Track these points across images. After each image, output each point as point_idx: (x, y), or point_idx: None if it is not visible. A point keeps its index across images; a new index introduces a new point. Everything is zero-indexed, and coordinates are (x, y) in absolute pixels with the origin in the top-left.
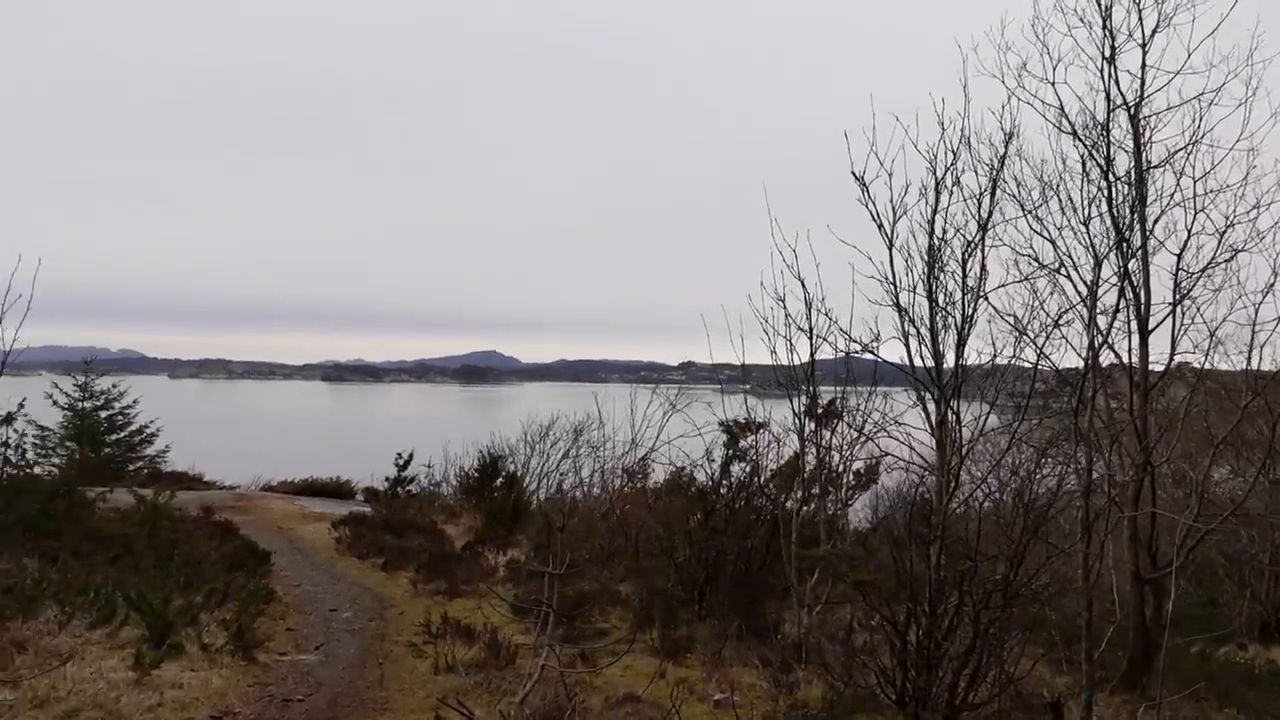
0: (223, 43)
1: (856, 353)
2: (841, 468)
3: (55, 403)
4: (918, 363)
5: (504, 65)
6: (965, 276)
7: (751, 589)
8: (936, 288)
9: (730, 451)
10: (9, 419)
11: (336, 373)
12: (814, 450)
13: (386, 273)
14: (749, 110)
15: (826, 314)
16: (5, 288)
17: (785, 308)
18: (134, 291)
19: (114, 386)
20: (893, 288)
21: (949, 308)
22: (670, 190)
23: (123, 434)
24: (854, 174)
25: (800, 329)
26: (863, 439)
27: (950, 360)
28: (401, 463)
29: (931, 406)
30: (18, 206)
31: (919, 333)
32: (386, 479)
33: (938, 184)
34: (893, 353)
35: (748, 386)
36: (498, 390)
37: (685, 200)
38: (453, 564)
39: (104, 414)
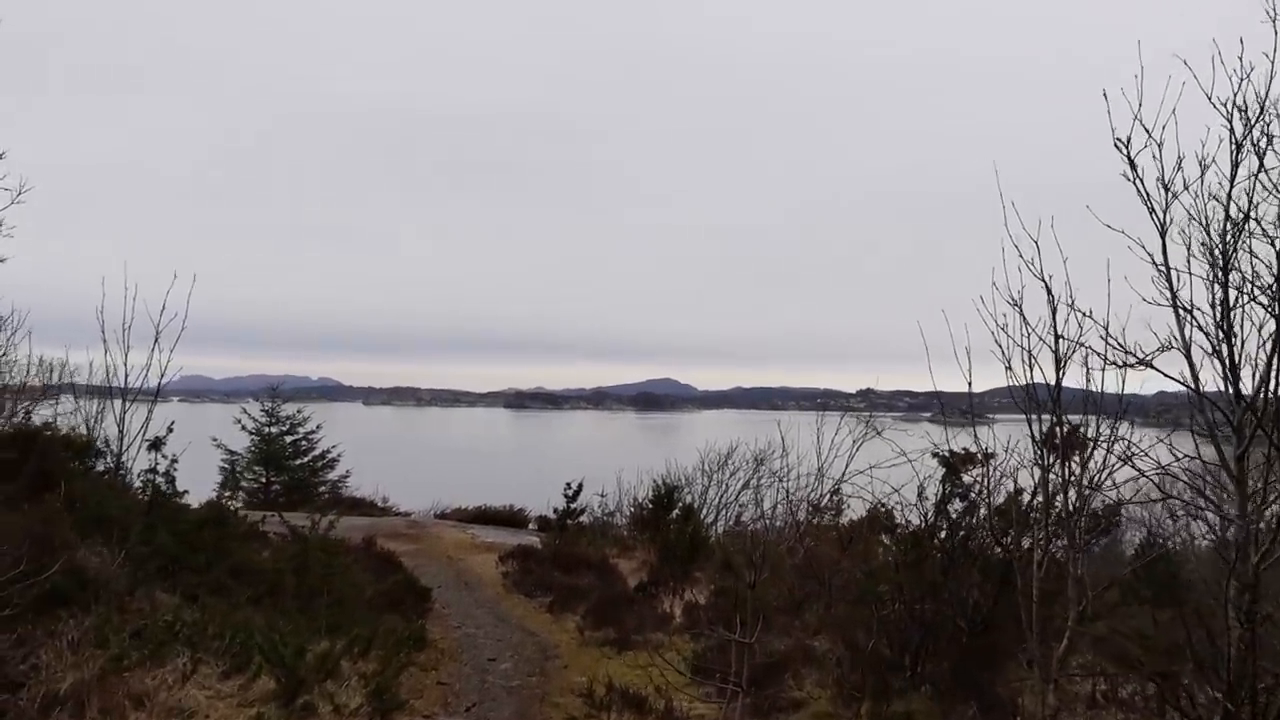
0: (390, 84)
1: (1127, 364)
2: (1078, 506)
3: (244, 427)
4: (1208, 382)
5: (686, 95)
6: None
7: (979, 654)
8: (1229, 283)
9: (948, 487)
10: (157, 444)
11: (518, 400)
12: (1050, 487)
13: (563, 302)
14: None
15: (1086, 315)
16: (160, 309)
17: (1022, 312)
18: (331, 322)
19: (299, 411)
20: (1167, 286)
21: (1248, 306)
22: (851, 214)
23: (306, 459)
24: (1117, 142)
25: (1041, 339)
26: (1109, 469)
27: (1248, 377)
28: (571, 493)
29: (1228, 436)
30: (228, 248)
31: (1214, 344)
32: (555, 510)
33: (1239, 145)
34: (1170, 369)
35: (929, 415)
36: (674, 417)
37: (867, 224)
38: (623, 608)
39: (289, 439)
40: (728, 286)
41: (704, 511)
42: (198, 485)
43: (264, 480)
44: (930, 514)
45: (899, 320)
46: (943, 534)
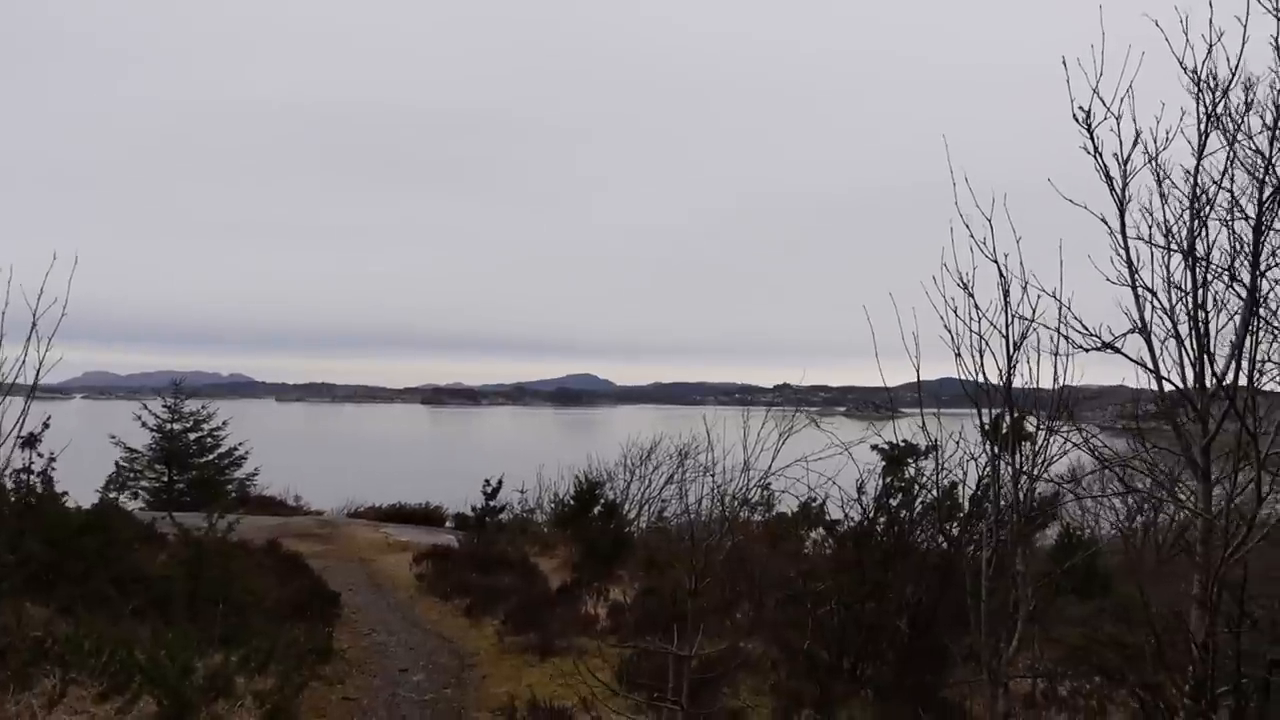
0: (331, 85)
1: (1090, 348)
2: (1027, 496)
3: (144, 424)
4: (1165, 368)
5: (600, 98)
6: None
7: (922, 656)
8: (1195, 264)
9: (891, 480)
10: (31, 441)
11: (436, 396)
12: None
13: (486, 298)
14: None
15: (1044, 293)
16: (38, 294)
17: (972, 295)
18: (242, 318)
19: (203, 408)
20: (1126, 266)
21: (1216, 284)
22: (778, 216)
23: (212, 456)
24: (1076, 113)
25: (992, 324)
26: (1049, 460)
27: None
28: (489, 490)
29: (1193, 426)
30: (129, 241)
31: (1174, 325)
32: (473, 508)
33: (1206, 116)
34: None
35: (843, 409)
36: (592, 413)
37: (787, 223)
38: (545, 611)
39: (193, 436)
40: (649, 284)
41: (626, 507)
42: (94, 486)
43: (167, 479)
44: (870, 509)
45: (817, 318)
46: (881, 529)
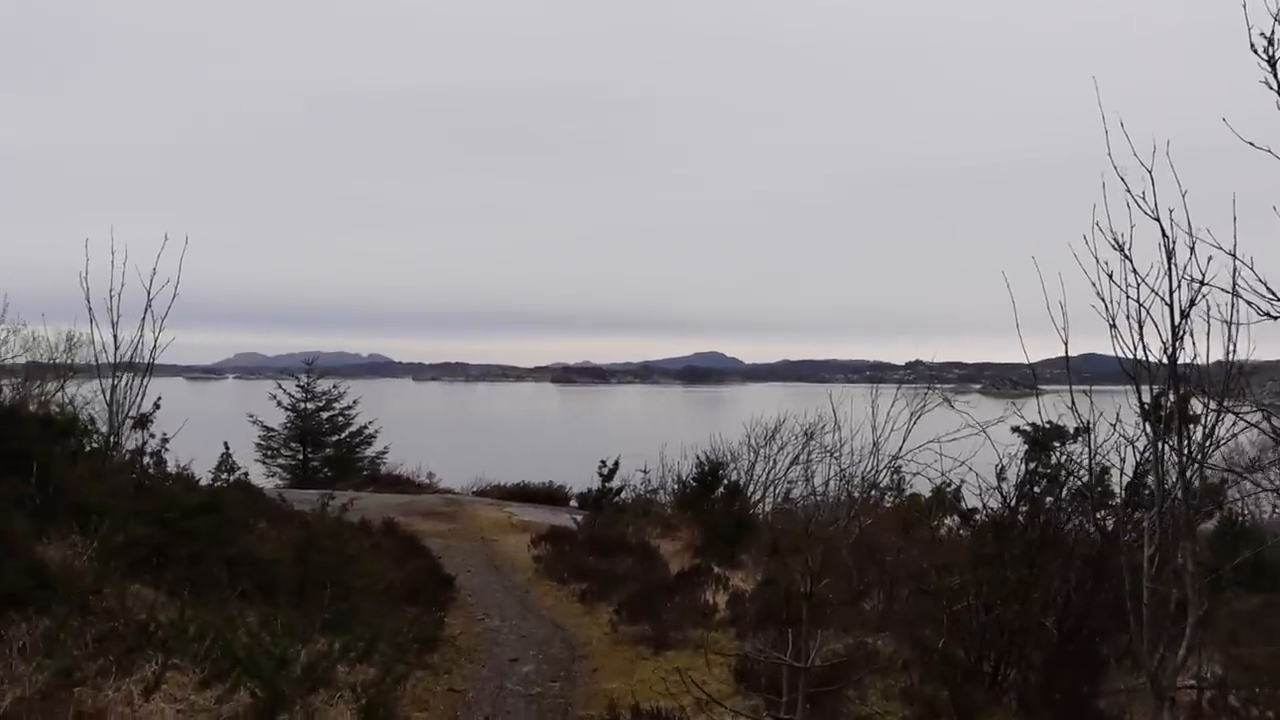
0: (433, 66)
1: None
2: (1193, 487)
3: (279, 403)
4: None
5: (721, 71)
6: None
7: (1073, 660)
8: None
9: (1036, 466)
10: (144, 421)
11: (565, 375)
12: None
13: (612, 277)
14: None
15: (1220, 249)
16: (150, 275)
17: (1129, 259)
18: (380, 300)
19: (334, 387)
20: None
21: None
22: (904, 188)
23: (343, 434)
24: (1255, 41)
25: (1153, 290)
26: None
27: None
28: (605, 471)
29: None
30: (276, 227)
31: None
32: (589, 490)
33: None
34: None
35: (978, 386)
36: (720, 390)
37: (922, 197)
38: (662, 599)
39: (325, 414)
40: (772, 260)
41: (750, 488)
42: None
43: (301, 457)
44: (1012, 497)
45: (951, 292)
46: (1025, 520)
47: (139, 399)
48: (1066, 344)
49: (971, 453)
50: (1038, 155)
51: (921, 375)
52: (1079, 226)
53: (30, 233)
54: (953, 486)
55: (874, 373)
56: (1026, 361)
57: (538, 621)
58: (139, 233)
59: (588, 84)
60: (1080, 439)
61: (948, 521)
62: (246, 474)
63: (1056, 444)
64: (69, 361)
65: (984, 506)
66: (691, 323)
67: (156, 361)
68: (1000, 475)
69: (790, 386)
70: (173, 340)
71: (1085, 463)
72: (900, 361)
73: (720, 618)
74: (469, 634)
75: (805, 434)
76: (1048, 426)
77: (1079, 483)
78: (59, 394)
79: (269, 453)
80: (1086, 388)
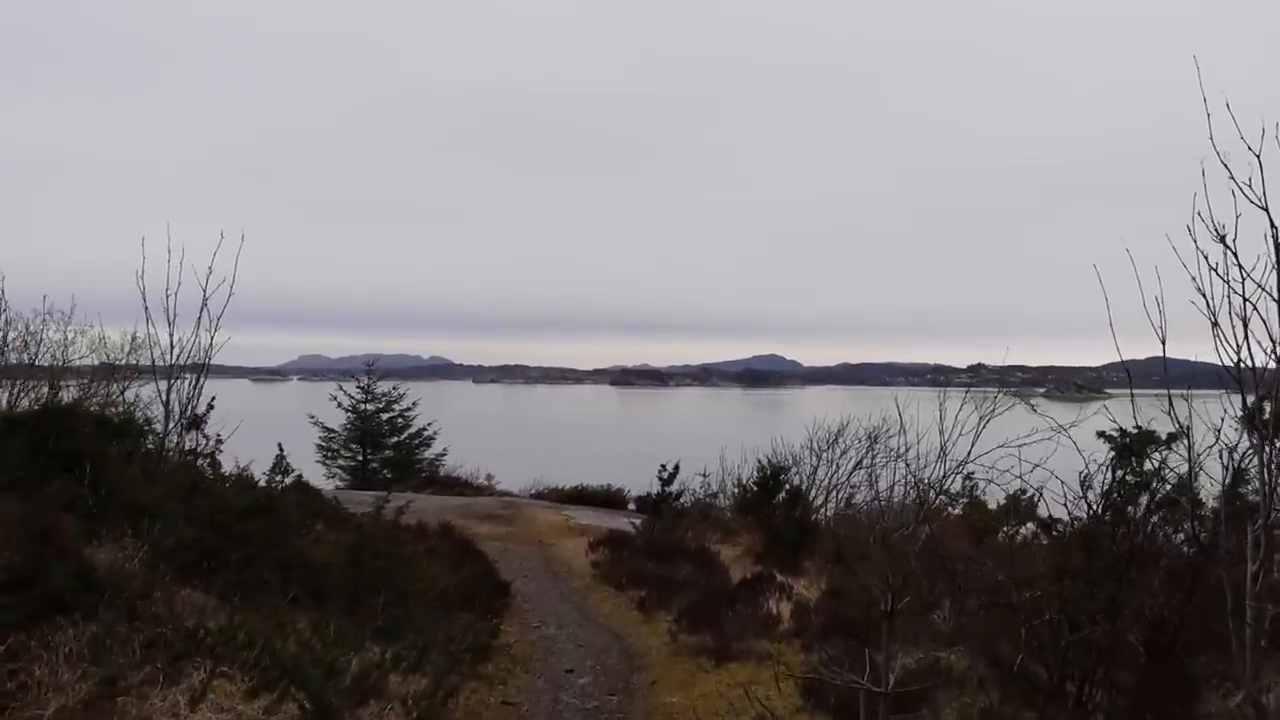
0: (501, 72)
1: None
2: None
3: (340, 405)
4: None
5: (785, 71)
6: None
7: (1165, 682)
8: None
9: (1124, 474)
10: (197, 422)
11: (624, 377)
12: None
13: (670, 279)
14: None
15: None
16: (207, 273)
17: (1234, 251)
18: (441, 302)
19: (394, 388)
20: None
21: None
22: (965, 188)
23: (402, 436)
24: None
25: (1260, 285)
26: None
27: None
28: (665, 475)
29: None
30: (338, 229)
31: None
32: (648, 493)
33: None
34: None
35: (1042, 390)
36: (779, 393)
37: (973, 198)
38: (723, 608)
39: (385, 416)
40: (831, 261)
41: (813, 493)
42: (298, 465)
43: (361, 458)
44: (1100, 508)
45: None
46: (1114, 531)
47: (194, 400)
48: (1164, 343)
49: (1043, 458)
50: (1110, 152)
51: (984, 379)
52: (1162, 224)
53: (97, 235)
54: (1029, 493)
55: (935, 376)
56: (1119, 360)
57: (595, 630)
58: (201, 235)
59: (649, 86)
60: (1174, 445)
61: (1022, 530)
62: (301, 475)
63: (1149, 450)
64: (135, 363)
65: (1069, 515)
66: (750, 325)
67: (223, 363)
68: (1085, 483)
69: (850, 389)
70: (228, 340)
71: (1180, 471)
72: (962, 365)
73: (784, 629)
74: (524, 642)
75: (869, 437)
76: (1136, 432)
77: (1167, 491)
78: (123, 395)
79: (329, 454)
80: (1185, 391)
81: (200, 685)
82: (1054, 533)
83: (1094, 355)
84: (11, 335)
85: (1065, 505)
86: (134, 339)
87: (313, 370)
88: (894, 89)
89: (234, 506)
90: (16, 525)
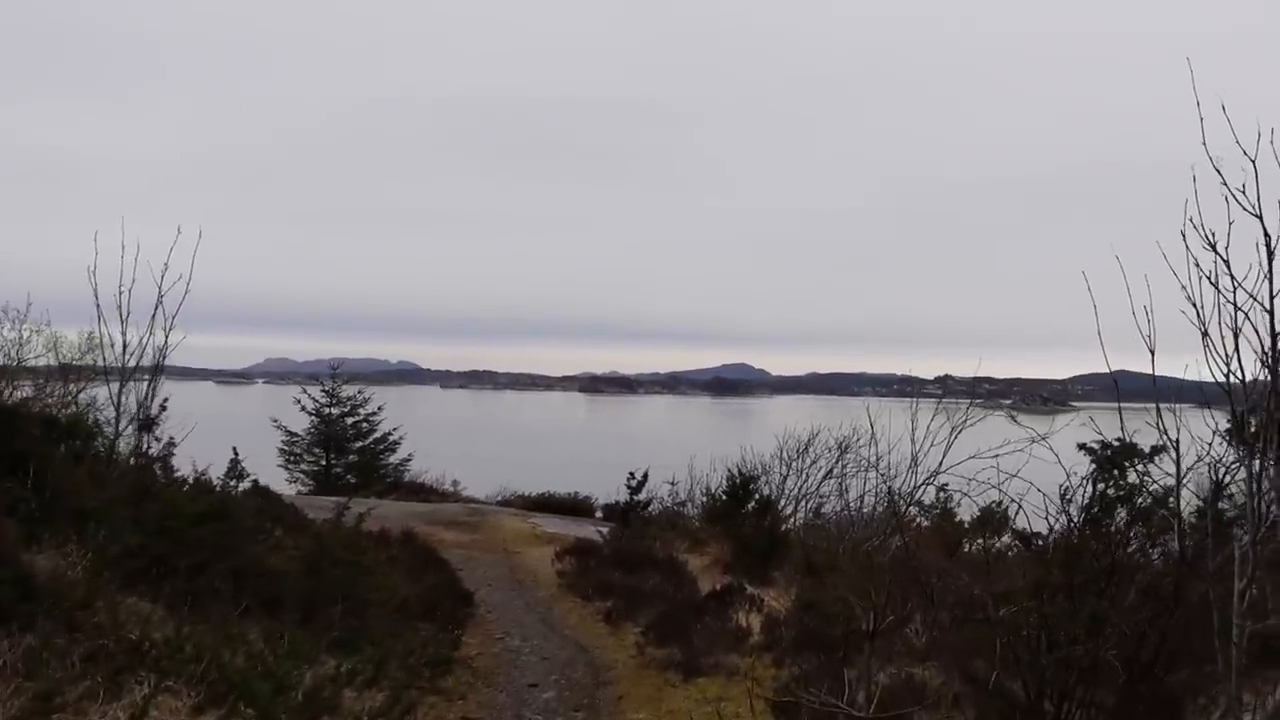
0: (481, 77)
1: None
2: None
3: (303, 408)
4: None
5: (760, 80)
6: None
7: (1147, 703)
8: None
9: (1104, 487)
10: (149, 424)
11: (593, 384)
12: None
13: (639, 286)
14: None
15: None
16: (162, 270)
17: (1225, 260)
18: (409, 307)
19: (359, 392)
20: None
21: None
22: (936, 200)
23: (367, 441)
24: None
25: (1251, 295)
26: None
27: None
28: (634, 484)
29: None
30: (310, 233)
31: None
32: (616, 501)
33: None
34: None
35: (1008, 402)
36: (748, 403)
37: (944, 211)
38: (691, 620)
39: (349, 420)
40: (803, 271)
41: (782, 502)
42: (259, 469)
43: (324, 463)
44: (1078, 520)
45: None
46: (1096, 545)
47: (148, 400)
48: (1153, 352)
49: (1017, 469)
50: (1080, 163)
51: (952, 390)
52: (1141, 237)
53: (65, 235)
54: (1004, 505)
55: (902, 386)
56: (1097, 372)
57: (560, 642)
58: (165, 236)
59: (633, 94)
60: (1158, 459)
61: (996, 542)
62: (257, 480)
63: (1131, 462)
64: (93, 363)
65: (1050, 529)
66: (720, 334)
67: (187, 365)
68: (1066, 496)
69: (820, 399)
70: (183, 339)
71: (1163, 484)
72: (929, 375)
73: (755, 641)
74: (487, 654)
75: (839, 447)
76: (1116, 444)
77: (1147, 504)
78: (77, 396)
79: (292, 458)
80: (1174, 405)
81: (142, 700)
82: (1033, 546)
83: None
84: None
85: (1046, 518)
86: (89, 338)
87: (279, 373)
88: (875, 103)
89: (186, 512)
90: None
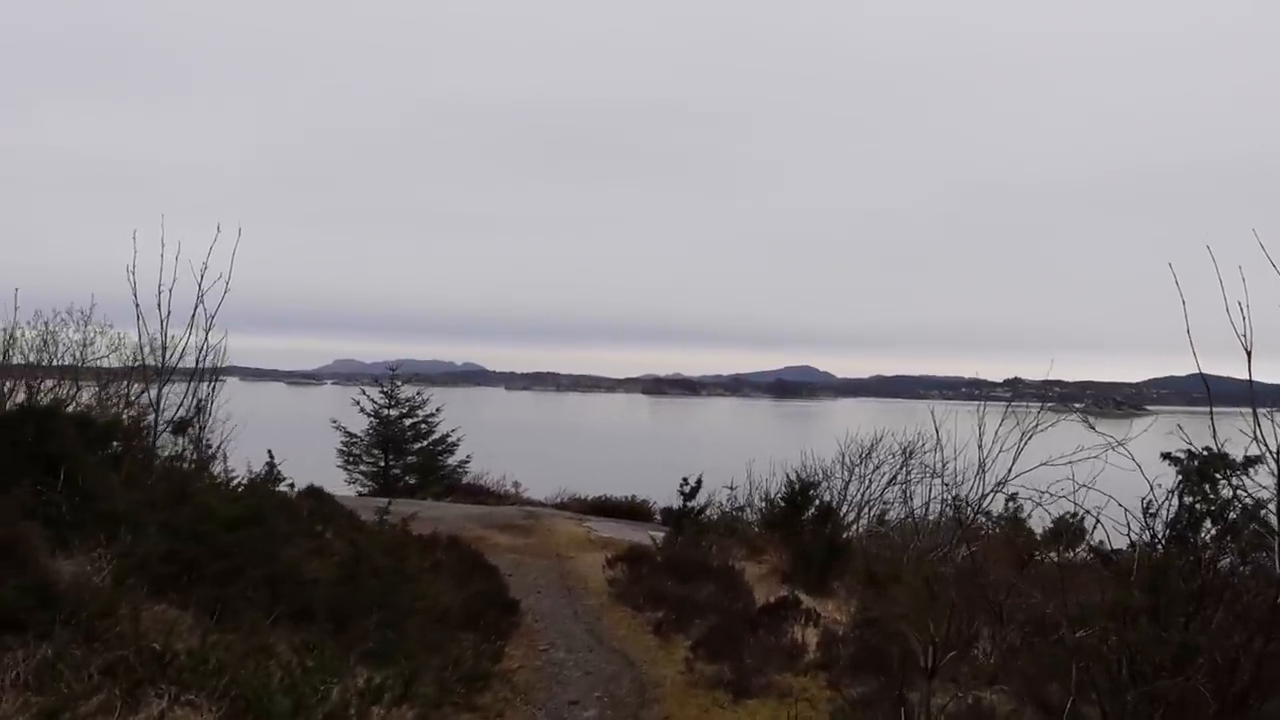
0: (535, 81)
1: None
2: None
3: (362, 409)
4: None
5: (815, 81)
6: None
7: None
8: None
9: (1194, 501)
10: (183, 426)
11: (655, 386)
12: None
13: (701, 288)
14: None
15: None
16: (201, 269)
17: None
18: (475, 309)
19: (418, 394)
20: None
21: None
22: (1000, 202)
23: (426, 443)
24: None
25: None
26: None
27: None
28: (688, 489)
29: None
30: (363, 236)
31: None
32: (670, 508)
33: None
34: None
35: (1080, 405)
36: (811, 405)
37: (1010, 212)
38: (746, 634)
39: (408, 422)
40: (866, 273)
41: (843, 509)
42: (319, 470)
43: (383, 464)
44: (1165, 536)
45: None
46: (1183, 565)
47: (209, 400)
48: (1250, 354)
49: (1091, 477)
50: (1146, 163)
51: (1021, 393)
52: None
53: (126, 238)
54: (1079, 516)
55: (970, 389)
56: (1186, 375)
57: (607, 655)
58: (224, 239)
59: (686, 97)
60: (1252, 469)
61: (1071, 556)
62: (293, 484)
63: (1222, 473)
64: (153, 364)
65: (1132, 545)
66: (783, 336)
67: (259, 366)
68: (1148, 509)
69: (884, 402)
70: (223, 339)
71: (1258, 496)
72: (998, 379)
73: (810, 659)
74: (529, 668)
75: (904, 452)
76: (1205, 453)
77: (1239, 518)
78: (141, 397)
79: (351, 459)
80: (1269, 410)
81: (159, 715)
82: (1111, 562)
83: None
84: (31, 334)
85: (1127, 532)
86: (151, 340)
87: (346, 374)
88: (936, 105)
89: (220, 516)
90: None
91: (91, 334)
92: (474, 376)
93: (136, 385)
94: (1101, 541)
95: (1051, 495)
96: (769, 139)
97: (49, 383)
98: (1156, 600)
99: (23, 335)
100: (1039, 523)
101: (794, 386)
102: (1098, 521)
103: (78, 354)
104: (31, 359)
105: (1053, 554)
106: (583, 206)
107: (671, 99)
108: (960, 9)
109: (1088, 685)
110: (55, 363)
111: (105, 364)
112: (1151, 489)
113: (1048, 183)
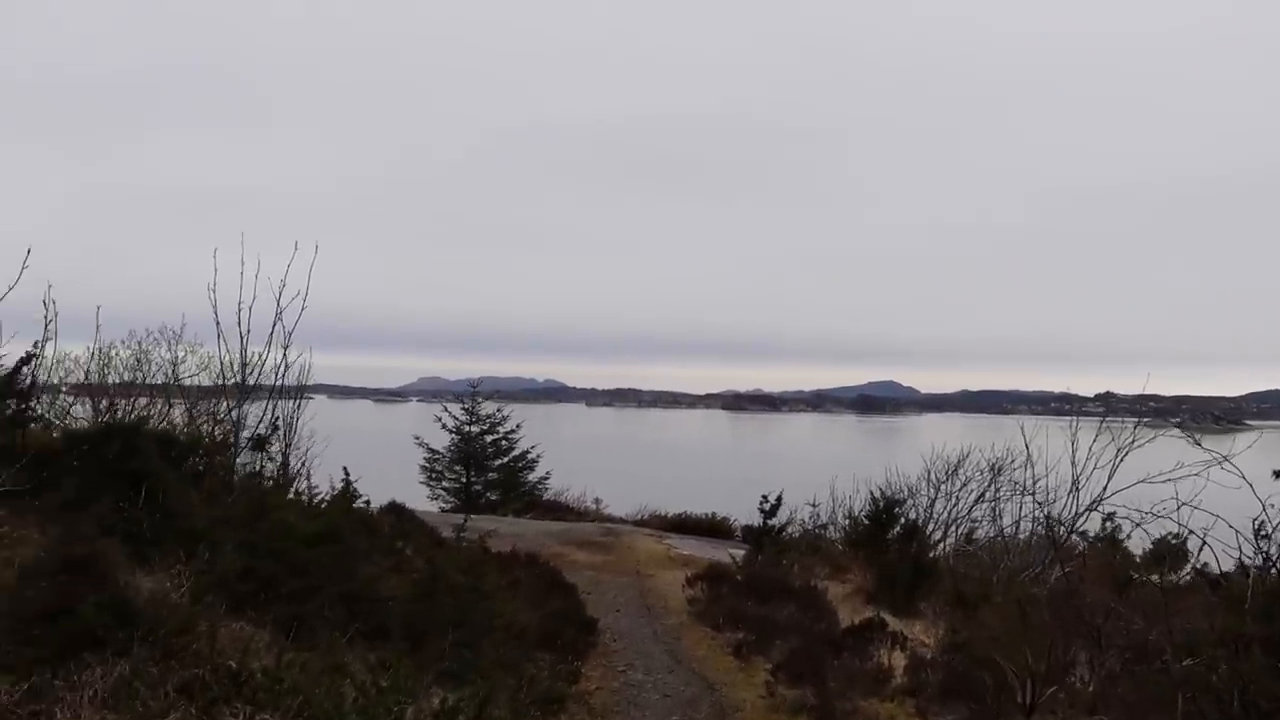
0: (619, 98)
1: None
2: None
3: (443, 426)
4: None
5: (899, 93)
6: None
7: None
8: None
9: None
10: (262, 443)
11: (736, 402)
12: None
13: (782, 303)
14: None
15: None
16: (280, 286)
17: None
18: (556, 325)
19: (498, 410)
20: None
21: None
22: (1085, 213)
23: (506, 459)
24: None
25: None
26: None
27: None
28: (767, 508)
29: None
30: (465, 256)
31: None
32: (750, 526)
33: None
34: None
35: (1177, 420)
36: (895, 421)
37: (1100, 224)
38: (828, 657)
39: (489, 438)
40: (952, 287)
41: (930, 527)
42: (402, 486)
43: (464, 480)
44: (1276, 559)
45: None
46: None
47: (294, 418)
48: None
49: (1193, 495)
50: (1239, 171)
51: (1115, 408)
52: None
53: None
54: (1181, 536)
55: (1060, 404)
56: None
57: (686, 677)
58: (324, 262)
59: (765, 114)
60: None
61: (1173, 578)
62: (369, 501)
63: None
64: (240, 382)
65: (1243, 568)
66: (866, 350)
67: (347, 384)
68: (1260, 531)
69: (969, 417)
70: (300, 357)
71: None
72: (1089, 393)
73: (897, 685)
74: (606, 689)
75: (992, 469)
76: None
77: None
78: (230, 414)
79: (433, 475)
80: None
81: None
82: (1219, 586)
83: (1231, 384)
84: (125, 354)
85: (1238, 555)
86: (240, 358)
87: (430, 391)
88: (1022, 113)
89: (298, 533)
90: (56, 551)
91: (182, 353)
92: (555, 393)
93: (225, 403)
94: (1207, 564)
95: (1153, 514)
96: (861, 152)
97: (142, 400)
98: (1272, 629)
99: (117, 354)
100: (1138, 544)
101: (877, 402)
102: (1204, 542)
103: (169, 372)
104: (125, 378)
105: (1154, 576)
106: (670, 224)
107: (765, 117)
108: (1065, 17)
109: (1196, 717)
110: (148, 381)
111: (195, 382)
112: (1264, 508)
113: (1144, 191)
